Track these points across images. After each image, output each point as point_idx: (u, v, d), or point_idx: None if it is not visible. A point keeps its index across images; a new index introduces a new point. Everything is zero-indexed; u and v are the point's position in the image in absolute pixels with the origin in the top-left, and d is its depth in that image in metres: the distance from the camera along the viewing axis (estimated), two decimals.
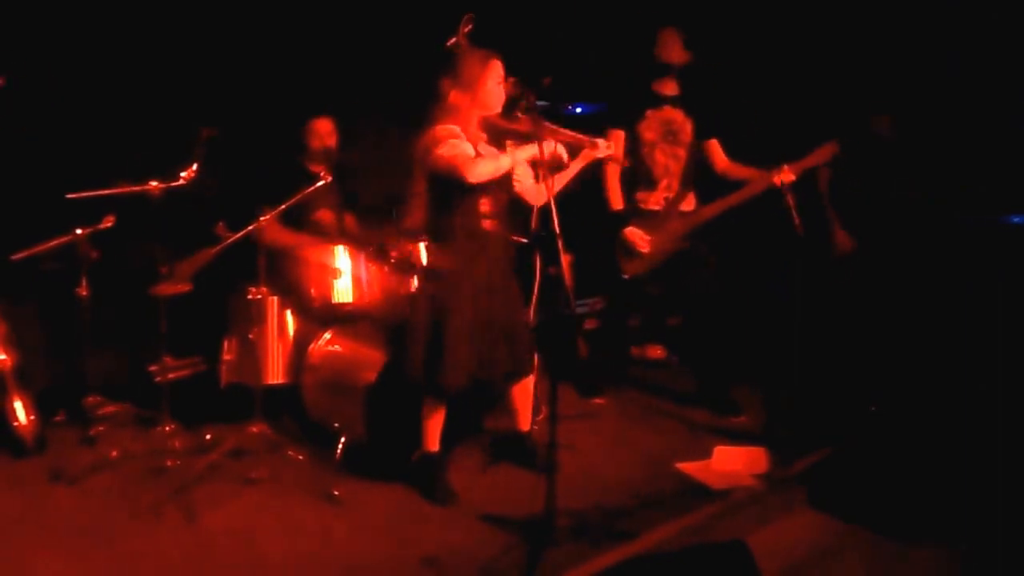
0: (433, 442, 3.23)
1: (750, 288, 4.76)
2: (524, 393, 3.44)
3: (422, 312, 3.10)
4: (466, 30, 3.01)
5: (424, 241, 3.65)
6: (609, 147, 3.26)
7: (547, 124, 3.06)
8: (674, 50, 3.99)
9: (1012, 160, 4.35)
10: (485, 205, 3.06)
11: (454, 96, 3.01)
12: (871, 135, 4.35)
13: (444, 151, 2.93)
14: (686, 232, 4.05)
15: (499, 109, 3.08)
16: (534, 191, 3.29)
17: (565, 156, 3.15)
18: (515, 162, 3.11)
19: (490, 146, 3.15)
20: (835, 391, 4.16)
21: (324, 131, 4.07)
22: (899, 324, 4.26)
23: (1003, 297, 4.13)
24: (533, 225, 3.35)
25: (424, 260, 3.60)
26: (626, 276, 4.03)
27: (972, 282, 4.26)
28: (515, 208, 3.31)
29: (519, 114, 3.03)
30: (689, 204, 4.13)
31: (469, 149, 2.98)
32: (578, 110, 3.22)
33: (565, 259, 2.73)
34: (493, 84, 3.02)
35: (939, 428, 3.65)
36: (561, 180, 3.24)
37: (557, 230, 2.69)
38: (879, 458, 3.43)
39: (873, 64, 4.40)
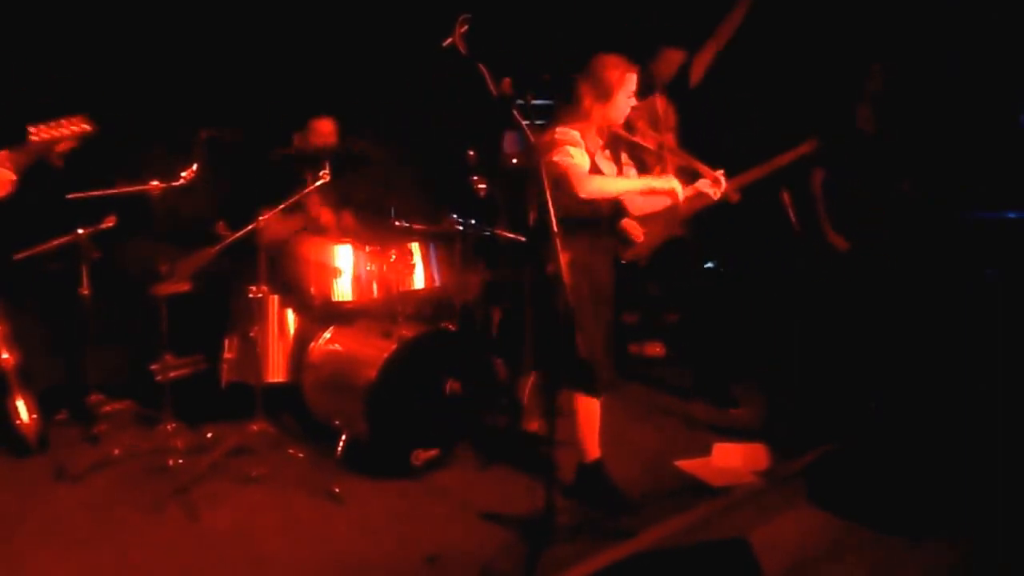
0: (595, 448, 3.14)
1: (750, 286, 4.76)
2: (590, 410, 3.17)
3: (554, 314, 2.95)
4: (462, 30, 3.01)
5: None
6: (724, 186, 3.18)
7: (671, 146, 3.05)
8: (669, 70, 4.02)
9: (1010, 156, 4.35)
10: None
11: (588, 101, 2.96)
12: (856, 131, 4.36)
13: (559, 158, 2.88)
14: (684, 217, 4.06)
15: (623, 120, 3.06)
16: (639, 201, 3.25)
17: (680, 198, 3.10)
18: (630, 191, 3.08)
19: (606, 156, 3.13)
20: (835, 388, 4.17)
21: (325, 131, 4.09)
22: (899, 321, 4.26)
23: (1003, 293, 4.14)
24: (530, 222, 3.35)
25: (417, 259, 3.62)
26: (623, 261, 4.05)
27: (972, 278, 4.26)
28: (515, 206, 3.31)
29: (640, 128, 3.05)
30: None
31: (585, 161, 2.93)
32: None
33: (564, 257, 2.73)
34: (625, 95, 2.98)
35: (939, 425, 3.65)
36: (662, 201, 3.22)
37: (555, 227, 2.69)
38: (880, 455, 3.43)
39: (869, 61, 4.39)
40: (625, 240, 4.01)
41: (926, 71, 4.51)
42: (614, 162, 3.18)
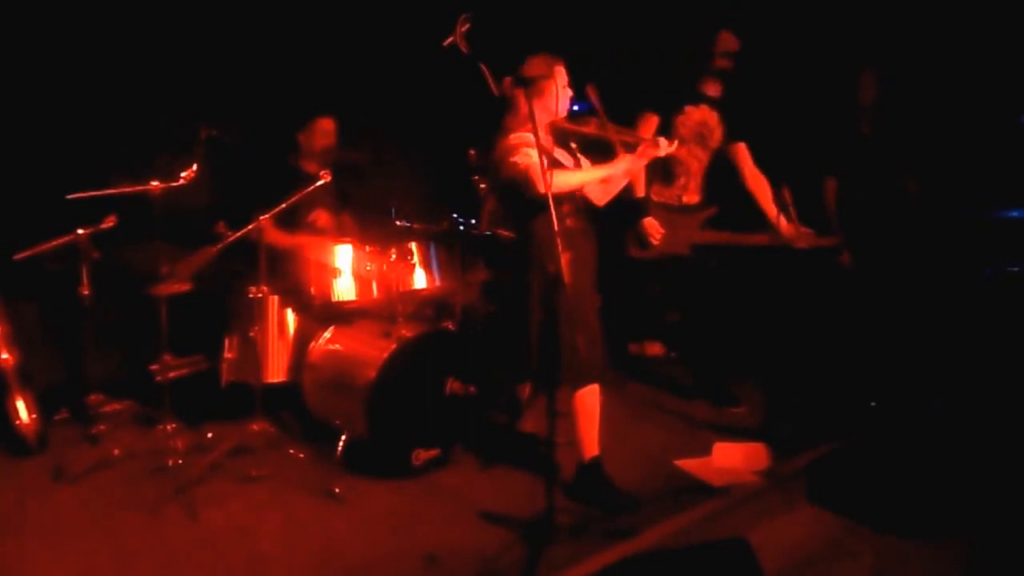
0: (594, 446, 3.14)
1: (751, 286, 4.76)
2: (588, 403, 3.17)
3: (535, 312, 3.04)
4: (463, 29, 3.01)
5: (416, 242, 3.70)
6: (670, 145, 3.20)
7: (611, 125, 3.09)
8: (730, 55, 3.97)
9: (1012, 155, 4.35)
10: (566, 205, 3.07)
11: (524, 102, 2.98)
12: (861, 135, 4.38)
13: (519, 160, 2.95)
14: (695, 242, 4.05)
15: (564, 113, 3.10)
16: (598, 191, 3.29)
17: (636, 173, 3.20)
18: (593, 179, 3.13)
19: (561, 150, 3.17)
20: (836, 387, 4.16)
21: (328, 130, 4.09)
22: (899, 320, 4.26)
23: (1003, 292, 4.14)
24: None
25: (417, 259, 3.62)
26: (631, 255, 4.05)
27: (973, 277, 4.26)
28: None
29: (587, 117, 3.08)
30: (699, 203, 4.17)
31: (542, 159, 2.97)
32: (575, 108, 3.23)
33: (565, 257, 2.72)
34: (560, 86, 3.05)
35: (940, 424, 3.65)
36: (620, 183, 3.28)
37: (556, 227, 2.69)
38: (880, 454, 3.43)
39: (867, 63, 4.40)
40: (642, 240, 3.99)
41: (927, 71, 4.50)
42: (568, 153, 3.22)
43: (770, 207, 3.99)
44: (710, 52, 3.95)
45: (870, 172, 4.32)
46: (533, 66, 3.04)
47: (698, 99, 4.04)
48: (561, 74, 3.06)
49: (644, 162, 3.21)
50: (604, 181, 3.21)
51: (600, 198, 3.32)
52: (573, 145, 3.27)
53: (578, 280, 2.94)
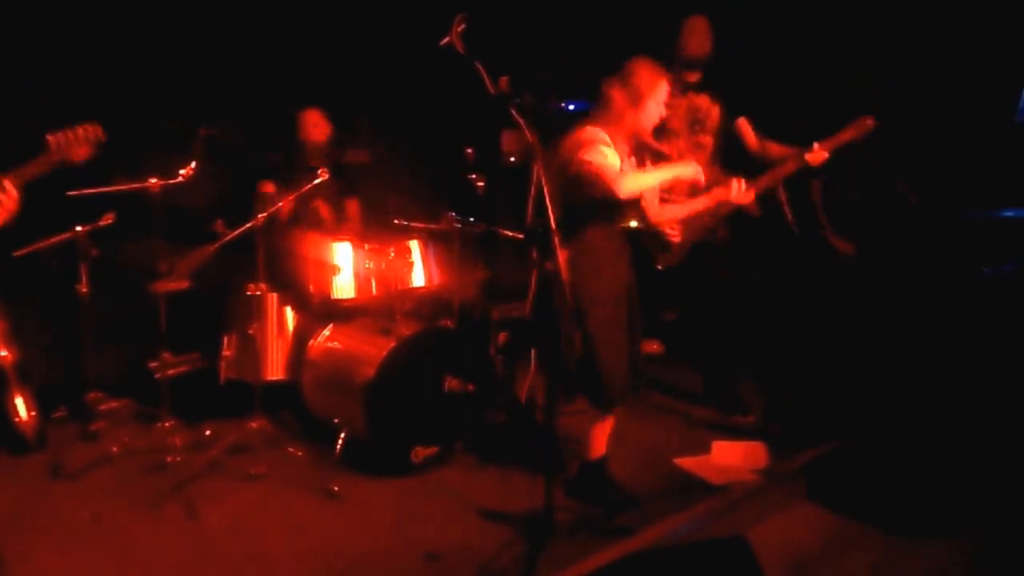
0: (602, 447, 3.13)
1: (749, 285, 4.76)
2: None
3: (570, 318, 2.93)
4: (460, 29, 3.00)
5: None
6: (745, 192, 3.20)
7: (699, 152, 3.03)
8: (702, 42, 3.89)
9: (1007, 155, 4.35)
10: (629, 216, 3.05)
11: (620, 103, 2.92)
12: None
13: (594, 158, 2.83)
14: (714, 223, 3.97)
15: (652, 127, 3.04)
16: (656, 205, 3.24)
17: (703, 180, 3.13)
18: (664, 181, 3.10)
19: (631, 163, 3.09)
20: (835, 385, 4.16)
21: (312, 123, 4.08)
22: (900, 318, 4.26)
23: (1002, 291, 4.13)
24: (528, 219, 3.33)
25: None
26: (659, 267, 3.96)
27: (970, 276, 4.26)
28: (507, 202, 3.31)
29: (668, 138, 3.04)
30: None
31: (617, 161, 2.89)
32: (571, 107, 3.21)
33: (562, 255, 2.71)
34: (655, 103, 2.96)
35: (940, 422, 3.65)
36: (683, 210, 3.30)
37: (553, 225, 2.68)
38: (880, 452, 3.43)
39: (865, 59, 4.39)
40: (663, 244, 3.92)
41: (924, 71, 4.50)
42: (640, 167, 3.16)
43: (784, 150, 3.85)
44: (679, 43, 3.92)
45: (862, 173, 4.31)
46: (640, 73, 2.93)
47: (680, 88, 3.93)
48: (663, 89, 2.97)
49: (702, 182, 3.16)
50: (672, 182, 3.14)
51: (658, 213, 3.25)
52: (649, 164, 3.20)
53: (590, 284, 2.90)
